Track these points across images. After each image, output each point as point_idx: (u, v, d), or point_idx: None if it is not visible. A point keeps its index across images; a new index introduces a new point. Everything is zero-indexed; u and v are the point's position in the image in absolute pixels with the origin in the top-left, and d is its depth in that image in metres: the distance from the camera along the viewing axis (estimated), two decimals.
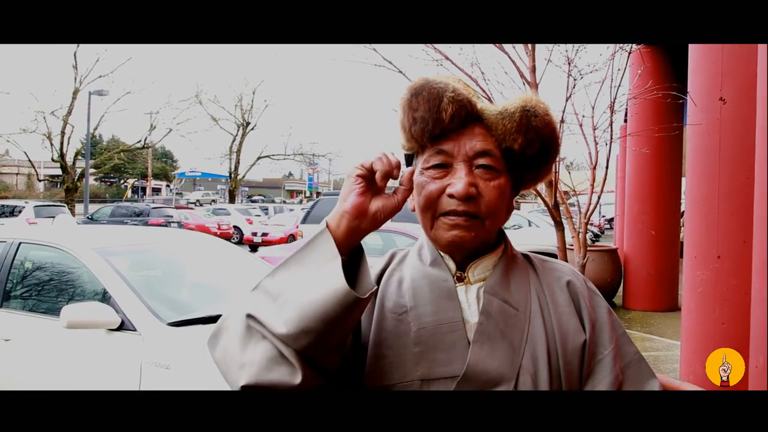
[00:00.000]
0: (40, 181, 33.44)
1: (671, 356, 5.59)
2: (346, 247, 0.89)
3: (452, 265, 1.02)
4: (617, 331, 1.04)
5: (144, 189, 55.82)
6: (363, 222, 0.90)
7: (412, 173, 0.98)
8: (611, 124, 4.13)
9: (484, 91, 3.99)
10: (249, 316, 0.87)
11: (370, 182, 0.90)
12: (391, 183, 0.94)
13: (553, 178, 3.97)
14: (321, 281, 0.84)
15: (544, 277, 1.05)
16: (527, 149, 0.97)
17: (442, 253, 1.02)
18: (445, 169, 0.97)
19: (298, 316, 0.83)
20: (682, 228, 5.83)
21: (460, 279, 1.01)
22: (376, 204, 0.91)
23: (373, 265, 1.07)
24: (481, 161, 0.96)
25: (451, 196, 0.95)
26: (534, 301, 1.01)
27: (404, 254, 1.10)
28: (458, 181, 0.95)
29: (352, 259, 0.92)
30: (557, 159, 4.19)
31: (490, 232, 1.00)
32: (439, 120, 0.94)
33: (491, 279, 1.01)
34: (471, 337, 0.96)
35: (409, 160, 1.05)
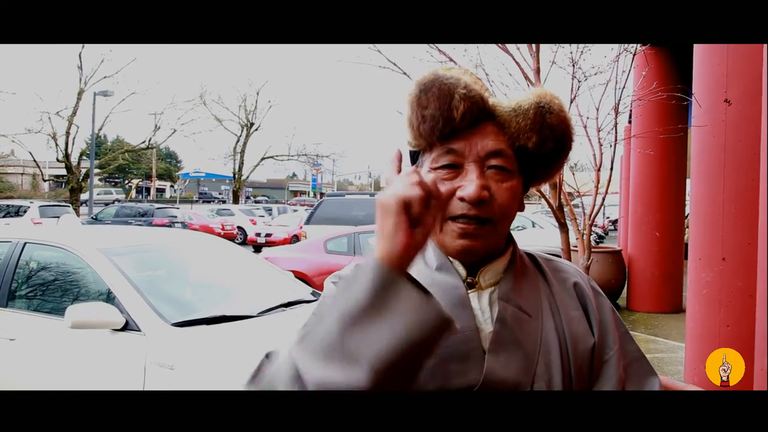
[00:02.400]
0: (45, 181, 33.55)
1: (675, 358, 5.58)
2: None
3: (462, 271, 0.98)
4: (620, 329, 1.03)
5: (148, 189, 56.02)
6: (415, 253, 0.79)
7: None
8: (615, 126, 4.12)
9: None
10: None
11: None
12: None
13: (558, 180, 3.97)
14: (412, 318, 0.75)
15: (552, 280, 1.03)
16: (541, 148, 0.93)
17: (450, 258, 0.98)
18: (455, 169, 0.93)
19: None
20: (687, 229, 5.82)
21: (471, 285, 0.97)
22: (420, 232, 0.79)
23: None
24: (493, 162, 0.92)
25: (462, 199, 0.91)
26: (545, 306, 0.99)
27: None
28: (470, 184, 0.90)
29: None
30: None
31: (501, 235, 0.97)
32: (450, 119, 0.89)
33: (504, 285, 0.97)
34: (486, 346, 0.93)
35: (414, 157, 1.00)
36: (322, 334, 0.77)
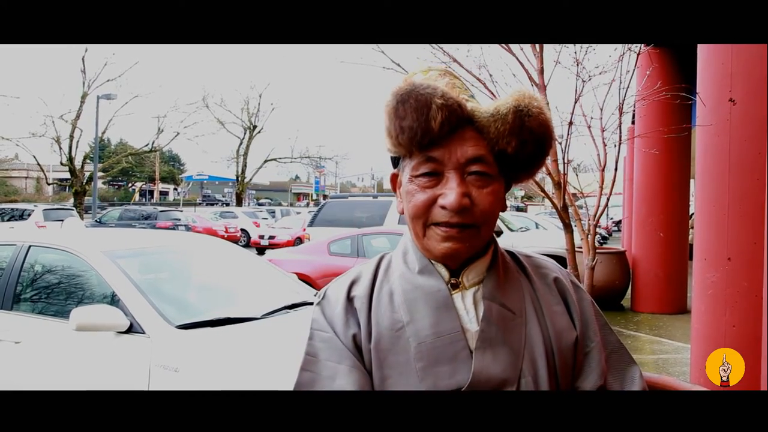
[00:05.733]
0: (49, 184, 33.59)
1: (681, 359, 5.56)
2: None
3: (445, 272, 0.99)
4: (600, 321, 1.06)
5: (152, 192, 56.09)
6: None
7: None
8: (620, 126, 4.11)
9: (491, 93, 3.98)
10: None
11: None
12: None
13: (562, 181, 3.96)
14: None
15: (533, 276, 1.05)
16: (521, 151, 0.94)
17: (432, 261, 1.00)
18: (435, 177, 0.94)
19: None
20: (691, 230, 5.79)
21: (455, 286, 0.99)
22: None
23: (361, 274, 1.05)
24: (474, 168, 0.94)
25: (443, 207, 0.92)
26: (528, 303, 1.01)
27: (389, 260, 1.06)
28: (450, 192, 0.92)
29: None
30: (566, 161, 4.15)
31: (484, 238, 0.98)
32: (428, 129, 0.90)
33: (488, 284, 0.99)
34: (472, 346, 0.95)
35: (395, 161, 1.02)
36: None
